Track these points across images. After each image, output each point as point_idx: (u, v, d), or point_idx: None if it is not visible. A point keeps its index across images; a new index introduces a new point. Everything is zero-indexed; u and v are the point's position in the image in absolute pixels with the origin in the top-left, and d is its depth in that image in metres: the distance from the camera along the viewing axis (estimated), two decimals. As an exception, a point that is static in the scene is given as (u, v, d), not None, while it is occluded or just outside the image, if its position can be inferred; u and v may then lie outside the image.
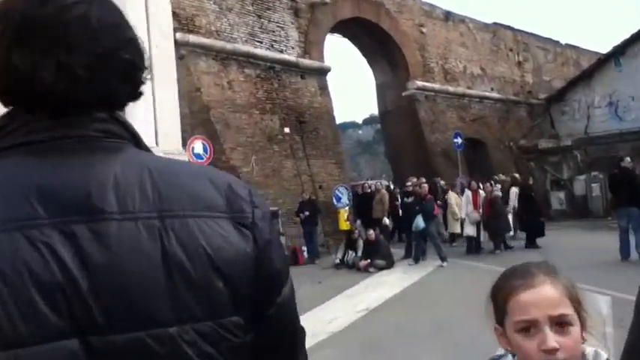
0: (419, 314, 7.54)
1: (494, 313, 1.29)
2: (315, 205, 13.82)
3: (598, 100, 21.55)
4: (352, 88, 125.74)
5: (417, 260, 12.06)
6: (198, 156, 11.49)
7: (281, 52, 15.69)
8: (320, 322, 7.46)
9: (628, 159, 10.97)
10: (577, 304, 1.19)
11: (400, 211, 14.57)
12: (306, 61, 16.18)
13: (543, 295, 1.17)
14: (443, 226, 14.82)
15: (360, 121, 73.03)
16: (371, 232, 12.36)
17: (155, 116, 10.88)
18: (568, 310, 1.16)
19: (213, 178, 0.84)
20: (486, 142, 21.89)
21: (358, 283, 10.32)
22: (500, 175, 16.78)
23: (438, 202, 13.78)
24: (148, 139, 10.38)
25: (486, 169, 19.69)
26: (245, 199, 0.84)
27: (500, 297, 1.25)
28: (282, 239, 13.24)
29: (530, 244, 12.64)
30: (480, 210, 13.01)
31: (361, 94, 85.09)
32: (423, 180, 13.23)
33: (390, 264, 11.82)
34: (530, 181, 15.39)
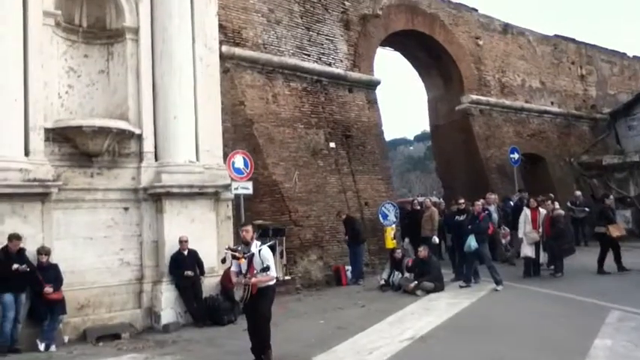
0: (470, 345, 6.81)
1: None
2: (353, 224, 13.17)
3: (668, 115, 20.15)
4: (404, 103, 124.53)
5: (468, 282, 11.25)
6: (238, 171, 11.16)
7: (329, 65, 15.27)
8: (361, 351, 6.88)
9: None
10: None
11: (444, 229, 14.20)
12: (354, 74, 15.69)
13: None
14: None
15: (411, 137, 72.19)
16: (422, 248, 11.64)
17: (197, 130, 10.62)
18: None
19: None
20: (545, 157, 20.81)
21: (403, 308, 9.59)
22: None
23: None
24: (188, 153, 10.23)
25: (545, 185, 18.64)
26: None
27: None
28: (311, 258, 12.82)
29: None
30: (540, 229, 12.06)
31: (413, 109, 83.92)
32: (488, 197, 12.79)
33: (440, 287, 11.05)
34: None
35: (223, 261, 6.98)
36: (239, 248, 6.66)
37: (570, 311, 8.51)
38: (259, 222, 11.51)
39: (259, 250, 6.54)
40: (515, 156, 17.84)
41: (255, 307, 6.47)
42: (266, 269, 6.39)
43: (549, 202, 12.84)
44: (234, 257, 6.48)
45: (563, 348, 6.34)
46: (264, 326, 6.49)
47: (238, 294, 6.53)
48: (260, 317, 6.49)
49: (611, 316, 7.94)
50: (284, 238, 11.93)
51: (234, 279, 6.65)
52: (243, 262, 6.48)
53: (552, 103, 22.22)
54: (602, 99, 23.92)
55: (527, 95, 21.41)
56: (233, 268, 6.71)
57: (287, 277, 11.86)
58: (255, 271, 6.40)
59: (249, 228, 6.80)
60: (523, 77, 21.52)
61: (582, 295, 9.58)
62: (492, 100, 19.92)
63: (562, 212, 12.90)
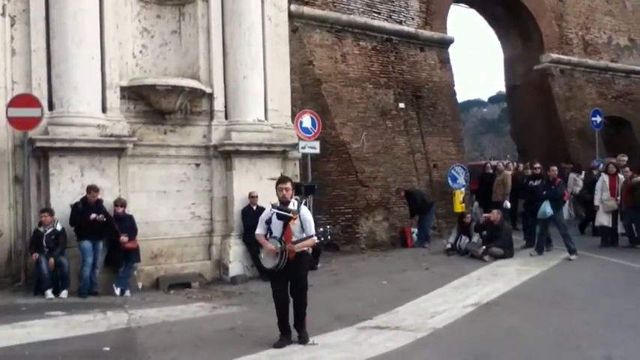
0: (538, 317, 6.56)
1: None
2: (413, 197, 12.86)
3: None
4: (478, 63, 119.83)
5: (540, 251, 10.85)
6: (306, 130, 11.17)
7: (400, 23, 14.81)
8: (422, 315, 6.82)
9: None
10: None
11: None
12: (426, 33, 15.16)
13: None
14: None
15: (485, 98, 69.62)
16: (496, 211, 11.29)
17: (265, 90, 10.70)
18: None
19: None
20: (631, 121, 19.46)
21: (469, 273, 9.39)
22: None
23: None
24: (257, 113, 10.33)
25: (630, 151, 17.51)
26: None
27: None
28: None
29: None
30: (618, 197, 11.38)
31: (488, 69, 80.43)
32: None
33: (509, 254, 10.74)
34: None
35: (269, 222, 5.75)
36: (279, 207, 5.72)
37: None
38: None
39: (299, 211, 5.69)
40: (598, 119, 16.78)
41: (291, 275, 5.64)
42: (309, 233, 5.65)
43: (627, 168, 11.99)
44: (282, 217, 5.59)
45: (639, 326, 6.01)
46: (303, 295, 5.72)
47: (270, 261, 5.60)
48: (298, 286, 5.68)
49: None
50: (312, 197, 11.08)
51: (267, 244, 5.62)
52: (278, 224, 5.60)
53: (642, 62, 20.64)
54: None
55: (613, 54, 20.00)
56: (259, 231, 5.79)
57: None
58: (292, 235, 5.57)
59: (289, 185, 5.83)
60: (609, 34, 20.11)
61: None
62: (574, 59, 18.79)
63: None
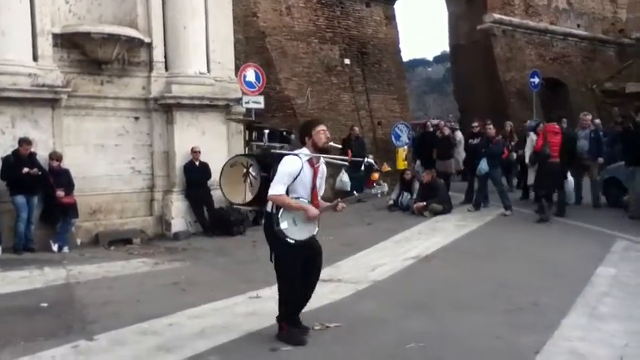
0: (474, 269, 6.85)
1: None
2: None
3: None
4: (425, 22, 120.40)
5: (477, 207, 11.24)
6: (249, 84, 10.96)
7: (346, -24, 14.61)
8: (364, 268, 6.97)
9: None
10: None
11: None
12: (372, -14, 15.05)
13: None
14: None
15: (430, 58, 70.21)
16: (425, 173, 11.56)
17: (207, 41, 10.36)
18: None
19: None
20: (567, 83, 20.19)
21: (410, 227, 9.66)
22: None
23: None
24: (199, 65, 10.02)
25: (565, 112, 18.18)
26: None
27: None
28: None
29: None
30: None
31: (434, 29, 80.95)
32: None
33: (447, 209, 11.08)
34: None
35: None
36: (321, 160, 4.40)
37: (577, 239, 8.52)
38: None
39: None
40: (536, 80, 17.17)
41: (318, 246, 4.45)
42: (322, 190, 4.46)
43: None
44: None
45: (567, 275, 6.36)
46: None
47: (305, 230, 4.25)
48: (320, 259, 4.48)
49: (617, 245, 7.94)
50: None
51: (310, 208, 4.20)
52: (308, 179, 4.25)
53: (579, 25, 21.29)
54: (632, 22, 22.79)
55: (552, 16, 20.49)
56: (281, 190, 4.12)
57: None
58: (318, 194, 4.35)
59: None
60: (550, -4, 20.53)
61: (591, 223, 9.56)
62: (516, 20, 19.12)
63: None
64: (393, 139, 13.79)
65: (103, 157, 9.43)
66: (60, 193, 8.36)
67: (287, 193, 4.15)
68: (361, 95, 14.30)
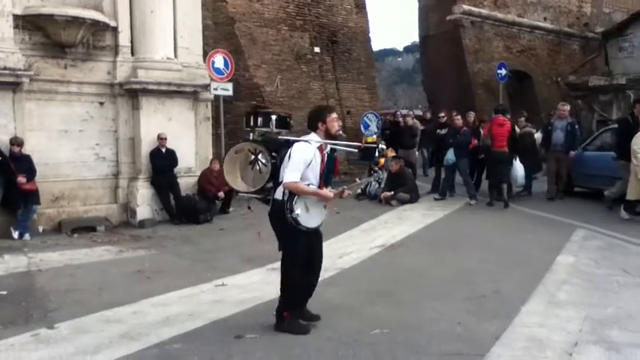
0: (439, 257, 6.97)
1: None
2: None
3: (663, 38, 19.64)
4: (395, 12, 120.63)
5: (443, 196, 11.41)
6: (218, 71, 10.83)
7: (317, -37, 14.52)
8: (331, 255, 6.96)
9: None
10: None
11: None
12: (343, -25, 15.00)
13: None
14: None
15: (400, 48, 70.53)
16: (393, 162, 11.66)
17: (175, 26, 10.18)
18: None
19: None
20: (533, 75, 20.56)
21: (377, 216, 9.75)
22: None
23: None
24: (166, 50, 9.84)
25: (531, 104, 18.55)
26: None
27: None
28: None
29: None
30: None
31: (404, 19, 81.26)
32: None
33: (414, 198, 11.20)
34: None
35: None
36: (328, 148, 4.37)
37: (538, 228, 8.72)
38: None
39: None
40: (503, 72, 17.46)
41: (320, 233, 4.45)
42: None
43: (523, 119, 12.45)
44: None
45: (528, 263, 6.53)
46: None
47: (317, 217, 4.26)
48: (322, 245, 4.50)
49: (576, 234, 8.17)
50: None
51: (325, 192, 4.16)
52: (317, 166, 4.17)
53: (545, 18, 21.68)
54: (596, 17, 23.35)
55: (520, 9, 20.82)
56: (295, 178, 4.02)
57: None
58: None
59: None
60: (518, -12, 20.83)
61: (552, 213, 9.81)
62: (484, 11, 19.35)
63: (533, 131, 12.42)
64: (362, 128, 13.85)
65: (66, 142, 9.21)
66: (21, 179, 8.14)
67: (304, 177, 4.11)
68: (331, 84, 14.31)
